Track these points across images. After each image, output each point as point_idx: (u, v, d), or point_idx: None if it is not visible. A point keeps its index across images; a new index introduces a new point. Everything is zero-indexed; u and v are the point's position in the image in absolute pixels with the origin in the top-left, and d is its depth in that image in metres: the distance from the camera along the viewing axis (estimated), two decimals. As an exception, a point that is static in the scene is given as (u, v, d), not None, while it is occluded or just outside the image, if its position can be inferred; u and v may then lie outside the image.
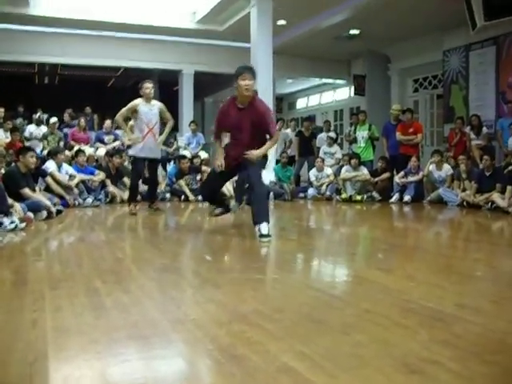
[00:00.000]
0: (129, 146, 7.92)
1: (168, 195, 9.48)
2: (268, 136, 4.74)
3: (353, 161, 9.67)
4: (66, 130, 11.04)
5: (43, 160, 8.38)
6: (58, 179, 7.78)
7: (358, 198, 9.33)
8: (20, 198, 5.99)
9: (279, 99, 18.98)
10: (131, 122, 7.54)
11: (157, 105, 6.96)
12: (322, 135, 11.58)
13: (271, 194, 9.64)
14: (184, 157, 9.76)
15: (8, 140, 9.50)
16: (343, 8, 10.60)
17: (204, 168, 9.83)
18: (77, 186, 8.13)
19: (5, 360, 1.75)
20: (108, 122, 10.52)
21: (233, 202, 6.64)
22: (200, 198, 9.04)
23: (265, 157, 4.86)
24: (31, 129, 10.60)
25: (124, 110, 6.84)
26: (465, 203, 8.07)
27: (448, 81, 11.89)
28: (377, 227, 6.16)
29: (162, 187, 9.37)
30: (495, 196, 7.36)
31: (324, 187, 9.93)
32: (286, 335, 1.97)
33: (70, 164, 8.76)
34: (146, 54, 13.45)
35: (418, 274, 3.14)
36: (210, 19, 12.26)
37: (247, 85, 4.52)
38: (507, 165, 8.34)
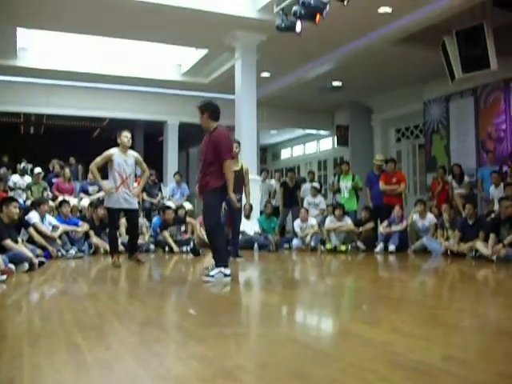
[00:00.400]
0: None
1: (152, 246, 9.40)
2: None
3: (337, 211, 9.70)
4: (54, 179, 11.01)
5: (26, 210, 8.32)
6: (40, 230, 7.71)
7: (343, 248, 9.31)
8: (2, 250, 5.91)
9: (263, 150, 19.22)
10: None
11: (132, 155, 6.92)
12: (307, 185, 11.67)
13: (255, 244, 9.63)
14: (168, 207, 9.74)
15: (-9, 190, 9.45)
16: (325, 61, 10.93)
17: (188, 219, 9.81)
18: (60, 237, 8.07)
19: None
20: (92, 173, 10.50)
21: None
22: (184, 249, 9.01)
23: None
24: (15, 179, 10.60)
25: (98, 159, 6.77)
26: (449, 252, 8.12)
27: (429, 130, 12.16)
28: (362, 278, 6.14)
29: (146, 238, 9.32)
30: (478, 244, 7.42)
31: (308, 238, 9.92)
32: (270, 392, 1.94)
33: (53, 215, 8.70)
34: (131, 105, 13.64)
35: (403, 326, 3.12)
36: (196, 72, 12.53)
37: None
38: (489, 213, 8.44)
